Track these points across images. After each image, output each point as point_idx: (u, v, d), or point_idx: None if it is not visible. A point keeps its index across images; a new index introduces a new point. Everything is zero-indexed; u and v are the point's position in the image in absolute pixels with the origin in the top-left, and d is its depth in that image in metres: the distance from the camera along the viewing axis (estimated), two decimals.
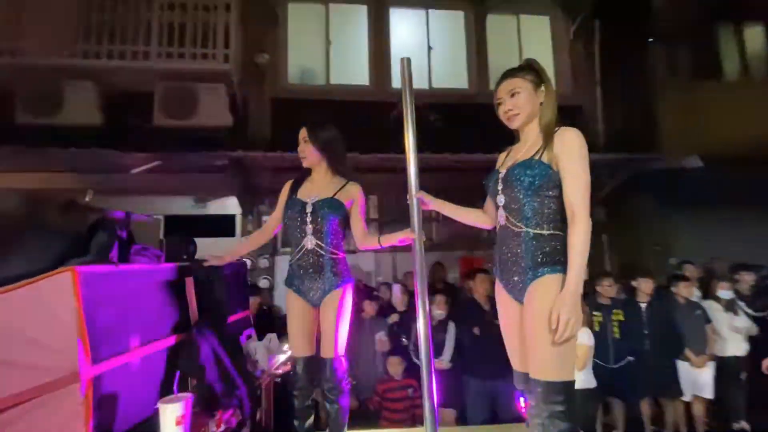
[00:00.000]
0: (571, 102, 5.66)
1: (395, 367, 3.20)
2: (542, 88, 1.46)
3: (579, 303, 1.28)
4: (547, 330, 1.27)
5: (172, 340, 1.69)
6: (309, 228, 1.85)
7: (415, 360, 3.17)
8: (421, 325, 1.68)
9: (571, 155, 1.35)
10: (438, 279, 4.51)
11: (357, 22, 5.64)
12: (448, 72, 5.72)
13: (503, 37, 5.88)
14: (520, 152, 1.49)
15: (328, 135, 1.97)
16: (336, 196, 1.89)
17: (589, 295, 3.29)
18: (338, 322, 1.80)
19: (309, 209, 1.86)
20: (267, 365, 2.12)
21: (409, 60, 1.77)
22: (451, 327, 3.25)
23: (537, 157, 1.40)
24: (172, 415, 1.31)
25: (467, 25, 5.88)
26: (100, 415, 1.27)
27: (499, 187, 1.47)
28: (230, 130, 4.83)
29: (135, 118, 4.80)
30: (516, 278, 1.41)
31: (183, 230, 4.93)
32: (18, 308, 1.24)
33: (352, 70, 5.55)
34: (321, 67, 5.56)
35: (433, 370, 1.65)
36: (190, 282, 1.84)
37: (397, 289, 3.74)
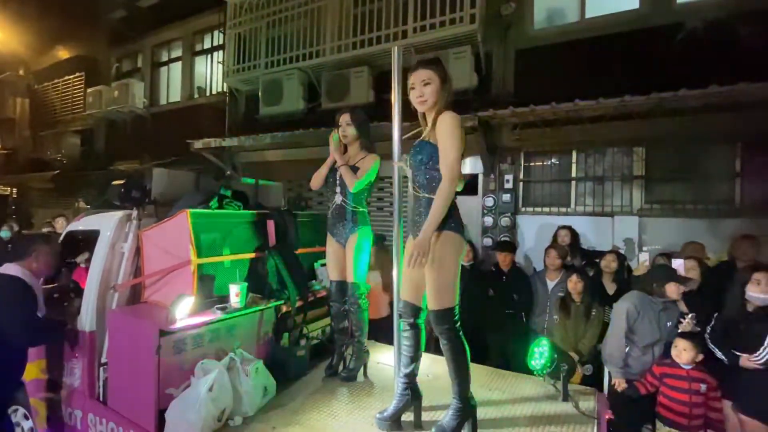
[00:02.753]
0: None
1: (681, 352, 2.59)
2: (446, 83, 1.83)
3: (427, 243, 1.67)
4: (430, 271, 1.73)
5: (252, 255, 2.57)
6: (338, 188, 2.44)
7: (717, 352, 2.62)
8: (395, 281, 2.06)
9: (443, 136, 1.71)
10: (745, 257, 3.20)
11: None
12: None
13: None
14: (423, 134, 1.88)
15: (363, 118, 2.49)
16: (356, 165, 2.40)
17: None
18: (352, 257, 2.38)
19: (338, 175, 2.42)
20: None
21: (400, 47, 2.09)
22: None
23: (426, 139, 1.81)
24: (233, 290, 2.23)
25: None
26: (201, 285, 2.21)
27: (408, 164, 1.88)
28: (475, 91, 4.94)
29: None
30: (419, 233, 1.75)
31: None
32: (171, 227, 2.28)
33: None
34: (573, 2, 4.84)
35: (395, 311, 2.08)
36: (271, 223, 2.67)
37: (680, 264, 2.98)
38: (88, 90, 9.40)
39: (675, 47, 4.07)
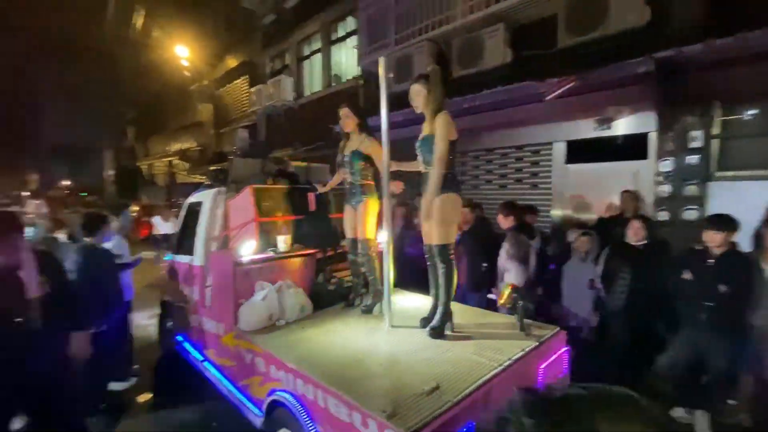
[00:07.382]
0: None
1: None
2: (432, 90, 2.57)
3: (430, 202, 2.53)
4: (438, 219, 2.54)
5: (296, 217, 3.45)
6: (347, 168, 3.06)
7: None
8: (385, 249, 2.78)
9: (437, 133, 2.48)
10: None
11: None
12: None
13: None
14: (425, 126, 2.62)
15: (361, 110, 3.06)
16: (359, 149, 3.00)
17: None
18: (362, 219, 3.02)
19: (346, 158, 3.06)
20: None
21: (385, 59, 2.67)
22: None
23: (431, 133, 2.54)
24: (281, 239, 3.18)
25: None
26: (262, 235, 3.17)
27: (417, 150, 2.67)
28: (646, 29, 3.94)
29: (539, 47, 4.87)
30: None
31: (585, 155, 4.71)
32: (243, 197, 3.29)
33: None
34: None
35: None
36: (311, 195, 3.52)
37: None
38: (251, 90, 10.89)
39: None
